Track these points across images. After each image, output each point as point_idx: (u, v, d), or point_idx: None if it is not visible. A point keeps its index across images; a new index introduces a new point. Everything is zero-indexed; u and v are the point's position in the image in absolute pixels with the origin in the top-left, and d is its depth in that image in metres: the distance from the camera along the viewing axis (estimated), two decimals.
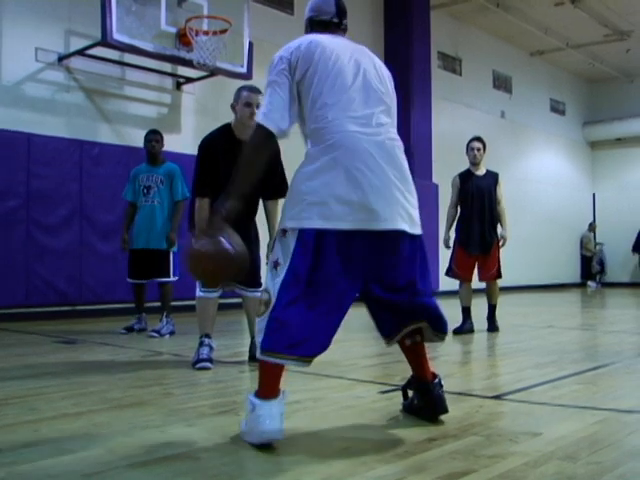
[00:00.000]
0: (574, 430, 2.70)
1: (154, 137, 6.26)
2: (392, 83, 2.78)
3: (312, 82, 2.54)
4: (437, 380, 2.85)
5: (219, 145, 4.26)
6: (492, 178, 6.51)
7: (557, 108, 17.09)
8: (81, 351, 5.15)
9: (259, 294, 4.21)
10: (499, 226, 6.53)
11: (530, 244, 15.01)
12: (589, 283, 17.09)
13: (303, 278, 2.41)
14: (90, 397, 3.39)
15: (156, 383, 3.81)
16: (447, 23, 13.22)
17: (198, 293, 4.34)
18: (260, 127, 2.50)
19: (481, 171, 6.54)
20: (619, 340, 5.99)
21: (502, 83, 15.09)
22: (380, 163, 2.51)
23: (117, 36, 7.22)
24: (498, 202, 6.48)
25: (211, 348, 4.31)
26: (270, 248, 2.67)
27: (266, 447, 2.43)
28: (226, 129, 4.34)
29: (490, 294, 6.55)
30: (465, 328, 6.43)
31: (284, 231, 2.50)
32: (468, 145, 6.55)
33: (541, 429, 2.70)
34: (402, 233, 2.56)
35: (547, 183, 16.17)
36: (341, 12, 2.81)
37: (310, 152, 2.54)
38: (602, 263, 17.59)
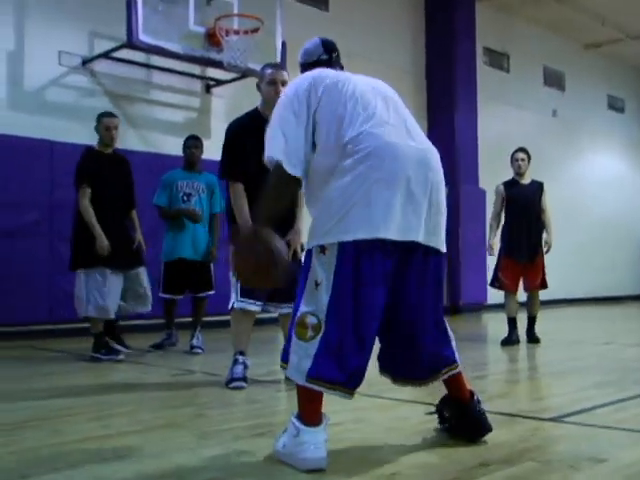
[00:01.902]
0: None
1: (194, 143, 6.38)
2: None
3: (330, 105, 2.61)
4: (475, 399, 2.87)
5: (248, 128, 4.34)
6: (537, 187, 6.93)
7: (615, 105, 16.82)
8: (108, 369, 5.22)
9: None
10: (544, 234, 6.87)
11: (586, 252, 14.77)
12: None
13: (350, 297, 2.46)
14: (118, 419, 3.43)
15: (188, 403, 3.84)
16: (493, 16, 13.11)
17: (236, 304, 4.28)
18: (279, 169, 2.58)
19: (526, 180, 6.95)
20: None
21: (554, 80, 14.91)
22: (421, 171, 2.56)
23: (143, 37, 7.34)
24: (543, 211, 6.87)
25: (245, 366, 4.32)
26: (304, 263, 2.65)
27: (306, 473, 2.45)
28: (253, 112, 4.46)
29: (531, 305, 6.87)
30: (513, 339, 6.71)
31: (322, 248, 2.52)
32: (512, 156, 6.98)
33: (605, 455, 2.65)
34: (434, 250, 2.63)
35: (605, 186, 15.89)
36: (328, 49, 3.01)
37: (341, 166, 2.54)
38: None
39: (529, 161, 6.91)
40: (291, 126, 2.61)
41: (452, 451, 2.73)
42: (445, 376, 2.83)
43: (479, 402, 2.88)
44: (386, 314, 2.61)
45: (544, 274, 6.80)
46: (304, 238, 4.33)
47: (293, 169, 2.56)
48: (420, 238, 2.55)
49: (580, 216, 14.63)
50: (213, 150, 8.38)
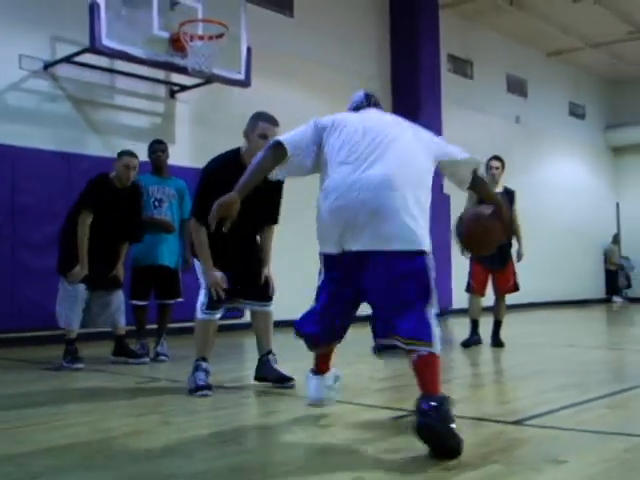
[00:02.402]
0: (603, 458, 2.70)
1: (159, 147, 6.31)
2: (418, 133, 3.48)
3: (326, 145, 3.25)
4: (428, 397, 2.74)
5: (226, 174, 4.18)
6: (509, 196, 6.98)
7: (576, 112, 17.12)
8: (71, 378, 5.15)
9: (269, 308, 4.55)
10: (515, 242, 7.01)
11: (548, 257, 14.98)
12: (614, 299, 17.05)
13: (319, 286, 3.34)
14: (82, 427, 3.39)
15: (153, 411, 3.81)
16: (457, 23, 13.26)
17: (201, 315, 4.36)
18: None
19: (499, 188, 7.00)
20: None
21: (517, 86, 15.13)
22: (359, 197, 3.02)
23: (106, 42, 7.28)
24: (513, 220, 6.87)
25: (207, 373, 4.33)
26: None
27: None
28: (234, 156, 4.37)
29: (498, 310, 7.02)
30: (473, 340, 6.90)
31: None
32: (487, 164, 7.02)
33: (566, 457, 2.70)
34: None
35: (566, 192, 16.15)
36: (368, 98, 3.55)
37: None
38: (628, 277, 17.53)
39: (503, 169, 7.03)
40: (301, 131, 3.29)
41: (417, 455, 2.75)
42: (398, 344, 2.91)
43: (440, 404, 2.71)
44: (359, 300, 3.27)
45: (515, 277, 6.97)
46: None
47: (284, 139, 3.21)
48: (355, 248, 3.04)
49: (543, 221, 14.84)
50: (177, 156, 8.41)
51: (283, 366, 4.51)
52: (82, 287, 5.56)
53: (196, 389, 4.20)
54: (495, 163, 7.01)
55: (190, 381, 4.28)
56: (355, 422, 3.45)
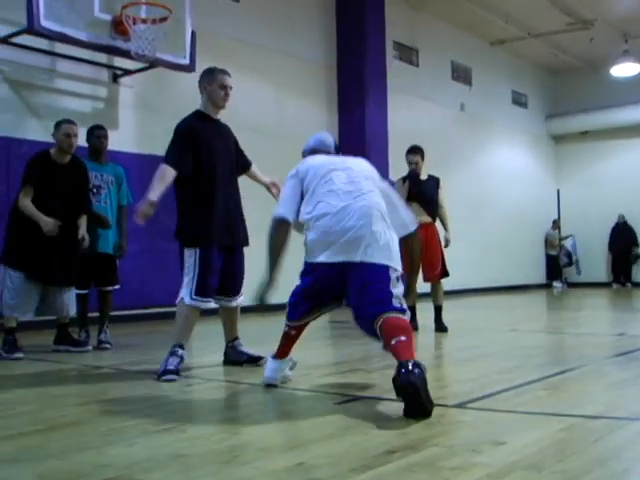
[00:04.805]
0: (539, 438, 2.76)
1: (102, 133, 6.20)
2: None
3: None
4: (411, 363, 3.08)
5: (198, 127, 4.57)
6: (434, 182, 7.04)
7: (519, 100, 17.38)
8: (11, 367, 5.03)
9: (239, 301, 4.77)
10: (441, 228, 7.07)
11: (491, 244, 15.24)
12: (555, 284, 17.39)
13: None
14: (19, 418, 3.32)
15: (94, 400, 3.75)
16: (403, 11, 13.32)
17: (188, 301, 4.37)
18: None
19: (423, 176, 7.02)
20: (586, 343, 6.13)
21: (461, 74, 15.28)
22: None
23: (45, 23, 7.06)
24: (440, 205, 7.03)
25: (182, 360, 4.36)
26: None
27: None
28: (199, 113, 4.69)
29: (435, 295, 6.99)
30: (412, 326, 6.81)
31: None
32: (406, 157, 7.02)
33: (505, 438, 2.74)
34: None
35: (508, 179, 16.42)
36: (336, 148, 4.21)
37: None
38: (570, 255, 17.84)
39: (423, 158, 6.96)
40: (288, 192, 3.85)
41: (359, 440, 2.77)
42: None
43: (416, 367, 3.09)
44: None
45: (444, 264, 6.95)
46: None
47: (283, 214, 3.77)
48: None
49: (485, 209, 15.08)
50: (121, 141, 8.28)
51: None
52: (23, 276, 5.44)
53: (164, 373, 4.22)
54: (414, 158, 6.93)
55: (162, 365, 4.29)
56: (296, 408, 3.46)
